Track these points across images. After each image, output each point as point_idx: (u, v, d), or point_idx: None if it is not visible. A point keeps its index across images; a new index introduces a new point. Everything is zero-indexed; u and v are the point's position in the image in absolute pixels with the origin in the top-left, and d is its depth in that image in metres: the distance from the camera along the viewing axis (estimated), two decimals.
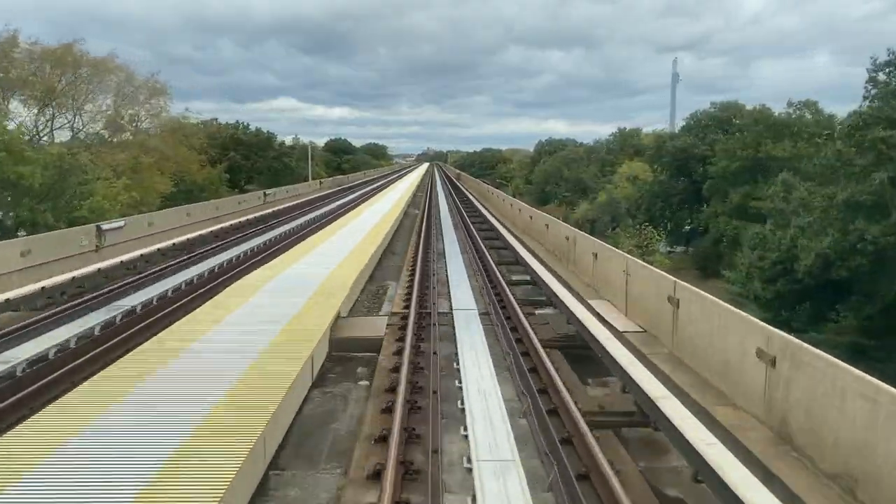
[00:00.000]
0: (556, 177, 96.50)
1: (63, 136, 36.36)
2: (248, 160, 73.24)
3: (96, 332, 12.34)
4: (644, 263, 12.98)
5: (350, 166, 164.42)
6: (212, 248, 22.78)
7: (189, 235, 25.70)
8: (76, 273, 17.35)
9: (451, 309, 14.38)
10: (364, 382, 10.31)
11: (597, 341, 10.89)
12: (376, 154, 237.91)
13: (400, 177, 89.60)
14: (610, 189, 73.53)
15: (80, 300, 14.44)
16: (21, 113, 34.43)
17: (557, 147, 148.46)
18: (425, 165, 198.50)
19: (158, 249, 21.96)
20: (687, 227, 59.55)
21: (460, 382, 9.69)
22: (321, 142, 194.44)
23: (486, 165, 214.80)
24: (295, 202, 46.18)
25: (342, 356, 11.45)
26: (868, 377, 6.17)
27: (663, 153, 60.46)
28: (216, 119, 73.59)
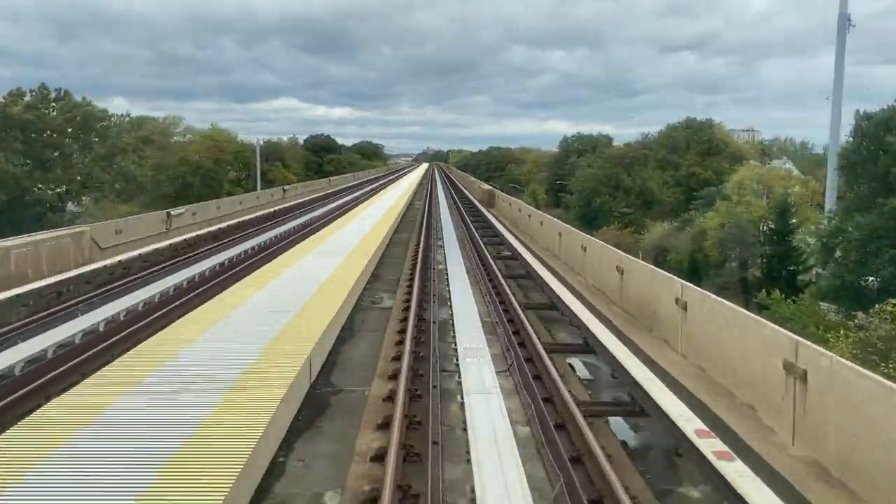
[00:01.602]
0: (608, 185, 67.83)
1: None
2: (31, 157, 37.94)
3: None
4: None
5: (334, 168, 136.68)
6: None
7: None
8: None
9: None
10: None
11: None
12: (368, 153, 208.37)
13: (364, 196, 47.17)
14: (728, 207, 44.96)
15: None
16: None
17: (587, 143, 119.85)
18: (424, 167, 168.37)
19: None
20: None
21: None
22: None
23: (494, 166, 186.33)
24: None
25: None
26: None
27: (869, 152, 31.65)
28: None
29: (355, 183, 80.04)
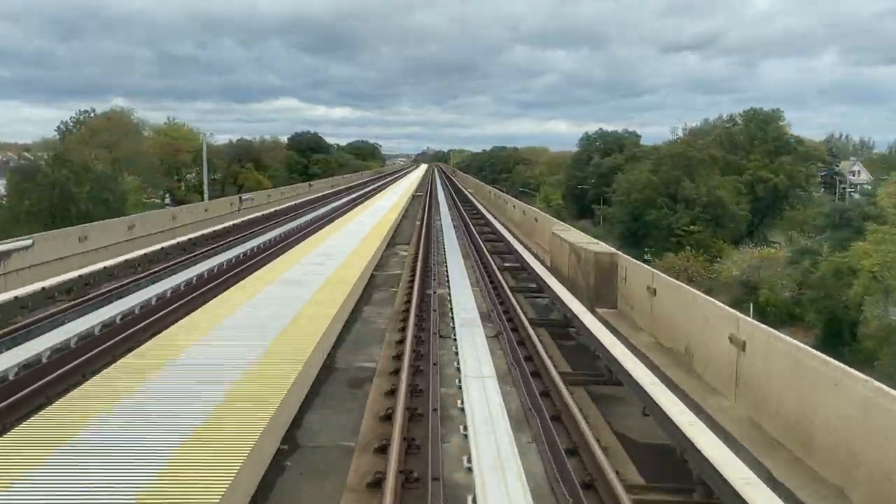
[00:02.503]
0: (663, 193, 51.63)
1: None
2: None
3: None
4: None
5: (321, 169, 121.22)
6: None
7: None
8: None
9: None
10: None
11: None
12: (363, 153, 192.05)
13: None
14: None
15: None
16: None
17: (611, 141, 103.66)
18: (423, 168, 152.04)
19: None
20: None
21: None
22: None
23: (500, 168, 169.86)
24: None
25: None
26: None
27: None
28: None
29: (304, 200, 45.28)
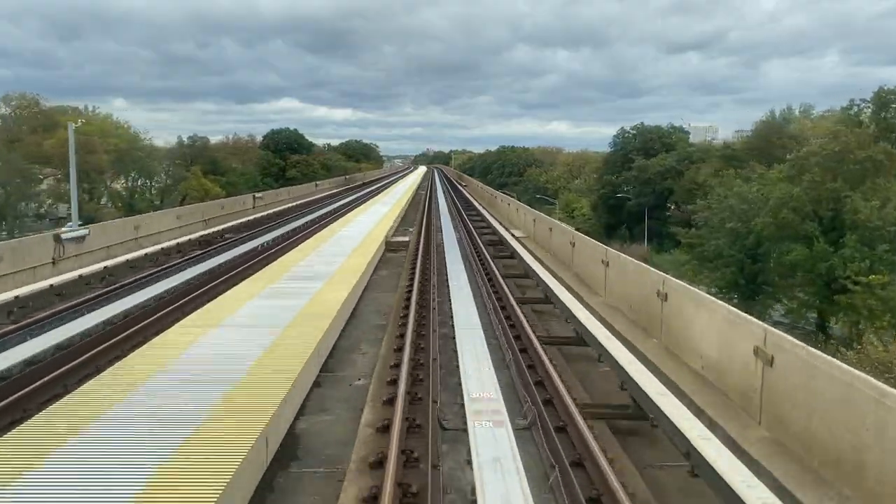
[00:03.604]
0: (807, 215, 31.75)
1: None
2: None
3: None
4: None
5: (301, 173, 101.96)
6: None
7: None
8: None
9: None
10: None
11: None
12: (357, 154, 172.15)
13: None
14: None
15: None
16: None
17: (655, 138, 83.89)
18: (421, 171, 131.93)
19: None
20: None
21: None
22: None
23: (509, 170, 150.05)
24: None
25: None
26: None
27: None
28: None
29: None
